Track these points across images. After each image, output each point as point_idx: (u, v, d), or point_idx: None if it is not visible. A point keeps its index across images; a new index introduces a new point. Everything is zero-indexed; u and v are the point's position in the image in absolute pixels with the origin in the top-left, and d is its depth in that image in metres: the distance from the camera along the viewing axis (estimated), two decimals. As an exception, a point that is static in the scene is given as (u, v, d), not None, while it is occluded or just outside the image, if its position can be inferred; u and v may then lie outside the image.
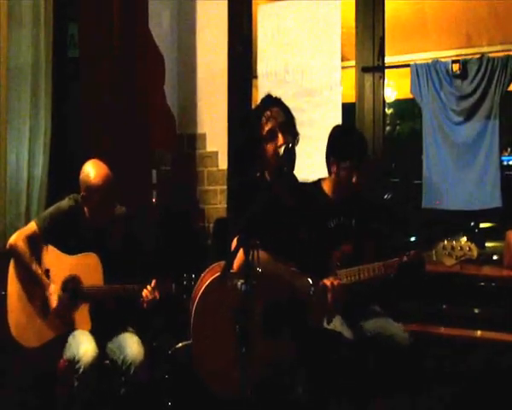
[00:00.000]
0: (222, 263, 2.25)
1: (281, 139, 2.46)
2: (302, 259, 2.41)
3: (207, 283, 2.48)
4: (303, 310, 2.39)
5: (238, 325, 1.92)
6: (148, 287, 2.89)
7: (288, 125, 2.52)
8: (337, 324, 2.75)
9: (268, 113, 2.51)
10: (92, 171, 2.90)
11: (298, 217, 2.51)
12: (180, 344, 2.94)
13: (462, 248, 2.48)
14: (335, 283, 2.45)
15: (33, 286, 2.90)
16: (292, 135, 2.51)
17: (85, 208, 2.97)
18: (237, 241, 2.02)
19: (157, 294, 2.89)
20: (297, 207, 2.54)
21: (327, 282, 2.45)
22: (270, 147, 2.49)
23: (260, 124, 2.51)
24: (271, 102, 2.59)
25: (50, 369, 2.91)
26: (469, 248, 2.48)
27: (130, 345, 2.83)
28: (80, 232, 2.95)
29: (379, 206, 3.31)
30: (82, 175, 2.93)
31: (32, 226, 2.95)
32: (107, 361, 2.87)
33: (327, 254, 2.61)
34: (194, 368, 2.49)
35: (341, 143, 2.95)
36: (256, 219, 2.04)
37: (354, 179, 2.89)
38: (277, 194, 2.50)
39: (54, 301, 2.85)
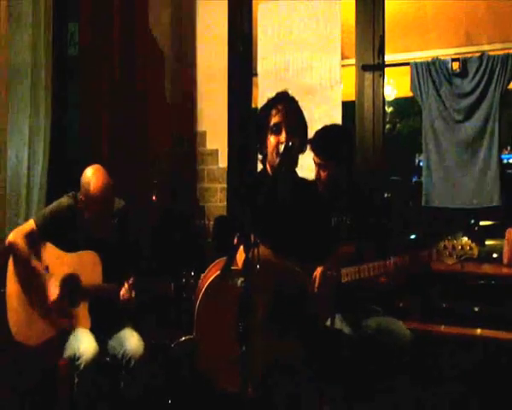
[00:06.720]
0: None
1: (283, 136, 2.43)
2: (303, 256, 2.39)
3: (211, 278, 2.46)
4: (303, 305, 2.38)
5: (240, 322, 1.92)
6: (126, 285, 2.86)
7: (296, 127, 2.47)
8: (337, 322, 2.75)
9: (280, 106, 2.47)
10: (93, 180, 2.85)
11: (298, 214, 2.50)
12: (183, 338, 2.99)
13: (462, 247, 2.48)
14: (328, 271, 2.40)
15: (33, 284, 2.89)
16: (298, 138, 2.46)
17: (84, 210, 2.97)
18: (238, 238, 2.01)
19: (133, 293, 2.85)
20: (297, 205, 2.53)
21: (318, 268, 2.41)
22: (272, 140, 2.45)
23: (270, 114, 2.47)
24: (286, 99, 2.53)
25: (51, 367, 2.92)
26: (470, 247, 2.48)
27: (130, 340, 2.84)
28: (79, 231, 2.95)
29: (378, 204, 3.30)
30: (83, 180, 2.90)
31: (31, 224, 2.95)
32: (108, 359, 2.87)
33: (327, 252, 2.60)
34: (196, 362, 2.49)
35: (315, 138, 2.95)
36: (257, 215, 2.04)
37: (323, 176, 2.92)
38: (278, 191, 2.49)
39: (54, 294, 2.83)
